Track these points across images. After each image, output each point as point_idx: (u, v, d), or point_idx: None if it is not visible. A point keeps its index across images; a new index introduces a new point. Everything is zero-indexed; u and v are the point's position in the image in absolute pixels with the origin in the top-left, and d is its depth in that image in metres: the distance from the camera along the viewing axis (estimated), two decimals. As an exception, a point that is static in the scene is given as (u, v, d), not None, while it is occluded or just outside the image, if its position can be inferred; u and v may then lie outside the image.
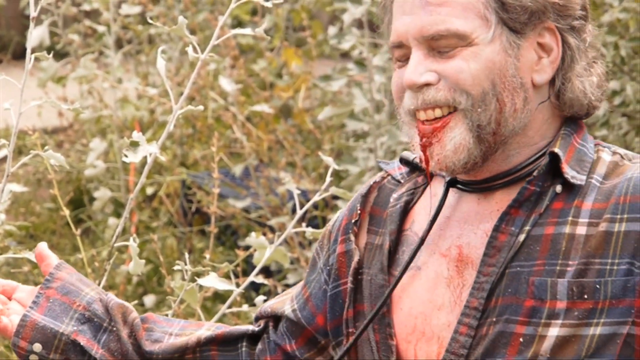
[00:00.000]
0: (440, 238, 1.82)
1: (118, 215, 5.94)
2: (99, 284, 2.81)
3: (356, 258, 1.92)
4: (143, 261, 2.86)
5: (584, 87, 1.75)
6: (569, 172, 1.67)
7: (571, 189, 1.69)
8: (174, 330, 2.16)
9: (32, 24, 2.83)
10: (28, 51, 2.71)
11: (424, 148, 1.70)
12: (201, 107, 2.80)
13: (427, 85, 1.68)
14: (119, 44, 7.18)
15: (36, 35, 6.04)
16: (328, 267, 1.99)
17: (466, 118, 1.68)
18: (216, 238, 5.77)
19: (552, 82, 1.74)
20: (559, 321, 1.66)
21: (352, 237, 1.93)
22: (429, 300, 1.81)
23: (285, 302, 2.12)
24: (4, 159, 2.90)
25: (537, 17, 1.68)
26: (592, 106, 1.79)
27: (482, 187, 1.77)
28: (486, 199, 1.77)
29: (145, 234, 5.59)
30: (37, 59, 2.65)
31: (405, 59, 1.72)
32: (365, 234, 1.94)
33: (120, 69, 6.83)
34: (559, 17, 1.70)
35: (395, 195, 1.90)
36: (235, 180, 6.13)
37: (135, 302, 3.85)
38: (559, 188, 1.69)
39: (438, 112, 1.67)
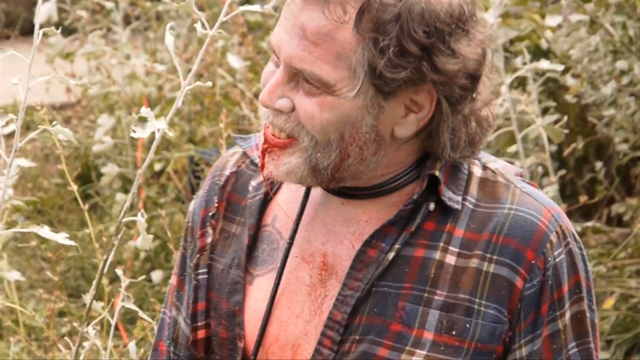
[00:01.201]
0: (304, 241, 1.76)
1: (126, 191, 6.04)
2: (106, 260, 2.79)
3: (209, 251, 1.87)
4: (151, 237, 2.75)
5: (447, 147, 1.67)
6: (446, 194, 1.64)
7: (444, 208, 1.66)
8: None
9: (40, 0, 2.84)
10: (36, 27, 2.74)
11: (262, 153, 1.67)
12: (209, 84, 2.73)
13: (280, 111, 1.63)
14: (127, 21, 7.17)
15: (44, 11, 6.09)
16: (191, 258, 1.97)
17: (305, 153, 1.62)
18: (222, 215, 5.57)
19: (421, 129, 1.68)
20: (424, 352, 1.65)
21: (210, 231, 1.86)
22: (287, 307, 1.77)
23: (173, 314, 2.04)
24: (12, 134, 2.83)
25: (411, 84, 1.58)
26: (458, 159, 1.71)
27: (346, 193, 1.72)
28: (351, 205, 1.72)
29: (153, 209, 5.59)
30: (45, 35, 2.66)
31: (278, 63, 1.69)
32: (222, 220, 1.87)
33: (128, 46, 6.83)
34: (437, 86, 1.60)
35: (254, 184, 1.82)
36: (241, 157, 5.93)
37: (143, 277, 3.87)
38: (432, 206, 1.65)
39: (283, 135, 1.63)
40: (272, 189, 1.79)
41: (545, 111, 5.50)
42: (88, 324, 2.83)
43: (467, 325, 1.64)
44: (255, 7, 2.74)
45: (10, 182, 3.04)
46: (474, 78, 1.61)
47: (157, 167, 6.22)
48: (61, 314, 5.26)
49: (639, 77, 5.30)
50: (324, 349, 1.69)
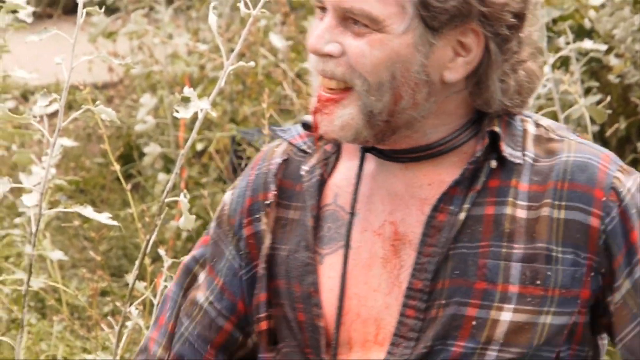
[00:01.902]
0: (371, 213, 1.77)
1: (168, 170, 6.11)
2: (149, 240, 2.83)
3: (267, 242, 1.86)
4: (193, 217, 2.81)
5: (497, 92, 1.70)
6: (506, 150, 1.66)
7: (504, 164, 1.68)
8: None
9: (82, -20, 2.87)
10: (80, 6, 2.70)
11: (314, 112, 1.70)
12: (252, 64, 2.76)
13: (329, 55, 1.65)
14: (169, 0, 7.19)
15: (87, -10, 6.09)
16: (241, 253, 1.93)
17: (359, 101, 1.65)
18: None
19: (470, 76, 1.71)
20: (512, 305, 1.67)
21: (263, 218, 1.88)
22: (364, 282, 1.78)
23: (194, 300, 2.03)
24: (55, 113, 2.92)
25: (459, 19, 1.61)
26: (508, 109, 1.74)
27: (403, 157, 1.73)
28: (410, 170, 1.73)
29: (195, 189, 5.69)
30: (88, 14, 2.64)
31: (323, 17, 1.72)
32: (275, 209, 1.88)
33: (170, 25, 6.87)
34: (484, 23, 1.63)
35: (306, 168, 1.83)
36: (284, 137, 6.00)
37: (185, 257, 3.94)
38: (493, 163, 1.67)
39: (334, 84, 1.65)
40: (326, 170, 1.80)
41: (587, 91, 5.50)
42: (131, 304, 2.88)
43: (549, 273, 1.66)
44: (299, -14, 2.67)
45: (53, 162, 3.08)
46: (520, 17, 1.63)
47: (199, 146, 6.21)
48: (104, 293, 5.33)
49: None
50: (407, 320, 1.71)
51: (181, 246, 5.58)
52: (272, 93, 5.94)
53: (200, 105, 2.50)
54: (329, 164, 1.78)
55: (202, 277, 1.94)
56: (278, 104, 6.23)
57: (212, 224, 1.97)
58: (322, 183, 1.78)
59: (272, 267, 1.83)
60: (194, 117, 2.66)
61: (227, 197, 1.95)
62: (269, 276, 1.82)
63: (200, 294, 1.92)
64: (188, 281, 1.96)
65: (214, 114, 2.79)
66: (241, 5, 2.92)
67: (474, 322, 1.68)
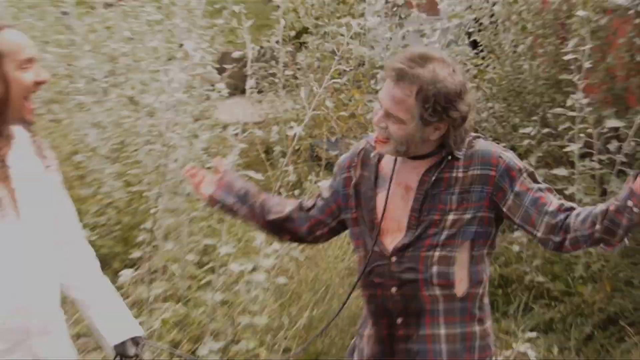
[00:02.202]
0: (398, 177, 2.78)
1: (284, 156, 6.37)
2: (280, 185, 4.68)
3: (354, 180, 2.90)
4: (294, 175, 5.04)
5: (451, 144, 2.69)
6: (456, 153, 2.70)
7: (452, 158, 2.70)
8: (273, 206, 3.10)
9: None
10: (248, 87, 5.33)
11: (375, 142, 2.74)
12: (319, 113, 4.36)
13: (382, 128, 2.66)
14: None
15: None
16: (339, 182, 2.96)
17: (392, 145, 2.68)
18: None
19: (440, 137, 2.69)
20: (453, 212, 2.71)
21: (352, 171, 2.91)
22: (393, 204, 2.78)
23: (322, 190, 3.07)
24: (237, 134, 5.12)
25: (437, 122, 2.61)
26: (457, 144, 2.72)
27: (412, 157, 2.73)
28: (413, 162, 2.75)
29: (294, 165, 6.08)
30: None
31: (379, 105, 2.69)
32: (360, 169, 2.88)
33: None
34: (448, 121, 2.62)
35: (372, 154, 2.85)
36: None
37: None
38: (449, 157, 2.71)
39: (383, 137, 2.68)
40: (381, 157, 2.86)
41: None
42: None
43: (469, 196, 2.70)
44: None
45: (237, 152, 4.77)
46: (464, 118, 2.64)
47: (297, 147, 6.85)
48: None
49: None
50: (411, 222, 2.75)
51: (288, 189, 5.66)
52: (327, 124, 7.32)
53: (298, 130, 4.89)
54: (381, 154, 2.84)
55: (325, 189, 3.05)
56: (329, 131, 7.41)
57: (334, 173, 3.02)
58: (378, 162, 2.85)
59: (357, 192, 2.90)
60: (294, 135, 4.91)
61: (341, 158, 3.03)
62: (357, 198, 2.89)
63: (324, 193, 3.03)
64: (319, 193, 3.07)
65: (302, 132, 5.07)
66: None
67: (439, 222, 2.72)
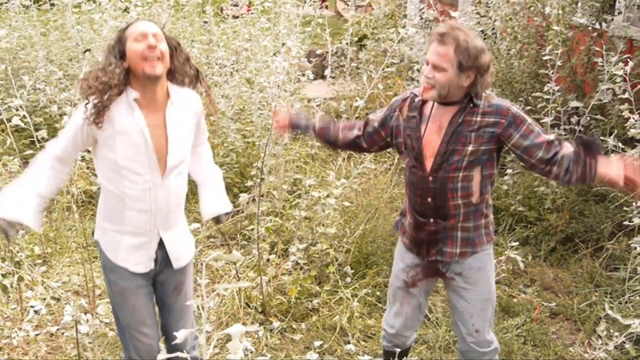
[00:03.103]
0: (434, 118, 2.68)
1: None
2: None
3: (404, 115, 2.76)
4: None
5: (477, 88, 2.58)
6: (475, 100, 2.60)
7: (475, 105, 2.60)
8: (329, 135, 3.05)
9: None
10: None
11: (423, 90, 2.61)
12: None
13: (430, 77, 2.56)
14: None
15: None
16: (391, 116, 2.83)
17: (436, 90, 2.57)
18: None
19: (470, 84, 2.57)
20: (471, 145, 2.61)
21: (401, 111, 2.79)
22: (430, 137, 2.69)
23: (375, 116, 2.90)
24: None
25: (469, 70, 2.52)
26: (480, 93, 2.59)
27: (445, 104, 2.63)
28: (445, 108, 2.65)
29: None
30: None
31: (428, 64, 2.59)
32: (407, 111, 2.76)
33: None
34: (476, 71, 2.54)
35: (416, 100, 2.74)
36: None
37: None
38: (471, 104, 2.60)
39: (430, 84, 2.57)
40: (422, 102, 2.72)
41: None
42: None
43: (484, 134, 2.61)
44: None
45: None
46: (487, 69, 2.55)
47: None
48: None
49: None
50: (441, 149, 2.64)
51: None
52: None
53: (359, 103, 4.67)
54: (423, 102, 2.72)
55: (379, 115, 2.90)
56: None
57: (387, 107, 2.87)
58: (422, 105, 2.72)
59: (405, 126, 2.76)
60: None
61: (393, 100, 2.87)
62: (405, 128, 2.75)
63: (376, 119, 2.90)
64: (372, 117, 2.92)
65: (362, 105, 4.76)
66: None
67: (461, 149, 2.61)
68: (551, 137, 2.61)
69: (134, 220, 2.68)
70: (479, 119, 2.60)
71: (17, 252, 4.24)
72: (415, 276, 2.88)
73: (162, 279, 2.84)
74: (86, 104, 2.57)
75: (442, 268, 2.81)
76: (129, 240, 2.72)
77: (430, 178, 2.67)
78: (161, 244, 2.77)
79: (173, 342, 2.76)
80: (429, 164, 2.66)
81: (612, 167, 2.48)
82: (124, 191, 2.64)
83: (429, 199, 2.70)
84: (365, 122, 2.94)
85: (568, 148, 2.58)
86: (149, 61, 2.54)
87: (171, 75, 2.68)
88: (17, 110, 4.28)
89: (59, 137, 2.70)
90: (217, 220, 3.02)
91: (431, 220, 2.74)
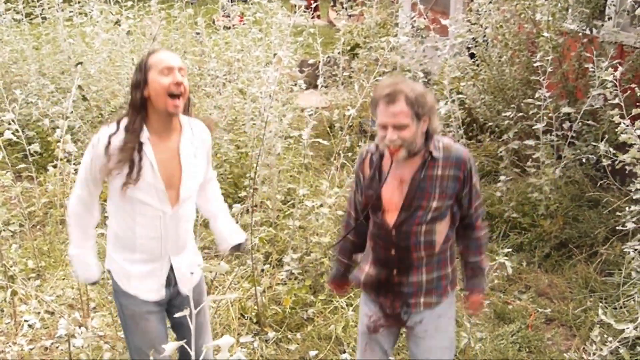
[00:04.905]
0: (394, 173, 2.64)
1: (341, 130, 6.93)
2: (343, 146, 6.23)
3: (365, 178, 2.74)
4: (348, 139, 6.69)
5: (431, 130, 2.58)
6: (434, 153, 2.58)
7: (433, 157, 2.58)
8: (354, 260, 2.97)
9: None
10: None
11: (392, 156, 2.57)
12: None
13: (394, 139, 2.50)
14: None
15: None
16: (360, 185, 2.78)
17: (405, 149, 2.54)
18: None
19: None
20: (435, 201, 2.60)
21: (361, 174, 2.75)
22: (391, 193, 2.65)
23: (352, 196, 2.87)
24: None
25: (426, 117, 2.53)
26: (434, 134, 2.59)
27: (407, 156, 2.56)
28: (406, 161, 2.60)
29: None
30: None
31: (385, 128, 2.53)
32: (367, 168, 2.73)
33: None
34: (428, 115, 2.53)
35: (375, 157, 2.70)
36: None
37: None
38: (430, 158, 2.58)
39: (398, 143, 2.52)
40: (381, 158, 2.69)
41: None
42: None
43: (447, 190, 2.61)
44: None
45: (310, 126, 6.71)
46: (435, 108, 2.58)
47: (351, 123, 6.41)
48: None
49: None
50: (405, 204, 2.62)
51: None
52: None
53: (351, 112, 4.93)
54: (382, 157, 2.68)
55: (352, 194, 2.85)
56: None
57: (354, 174, 2.84)
58: (381, 161, 2.69)
59: (366, 185, 2.73)
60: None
61: (355, 168, 2.85)
62: (368, 188, 2.72)
63: (354, 198, 2.85)
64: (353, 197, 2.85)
65: (354, 114, 5.02)
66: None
67: (425, 205, 2.61)
68: (475, 215, 2.73)
69: (145, 248, 2.69)
70: (439, 172, 2.59)
71: (11, 266, 4.25)
72: (377, 321, 2.81)
73: (178, 302, 2.84)
74: (106, 144, 2.59)
75: (404, 316, 2.76)
76: (140, 268, 2.73)
77: (394, 232, 2.63)
78: (172, 268, 2.79)
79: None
80: (391, 218, 2.63)
81: (473, 296, 2.82)
82: (135, 219, 2.66)
83: (393, 251, 2.66)
84: (349, 211, 2.90)
85: (481, 233, 2.78)
86: (173, 99, 2.55)
87: (188, 108, 2.71)
88: (9, 124, 4.30)
89: (76, 184, 2.75)
90: (237, 249, 3.04)
91: (394, 271, 2.69)
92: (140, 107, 2.59)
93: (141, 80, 2.57)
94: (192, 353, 1.55)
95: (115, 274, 2.79)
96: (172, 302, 2.85)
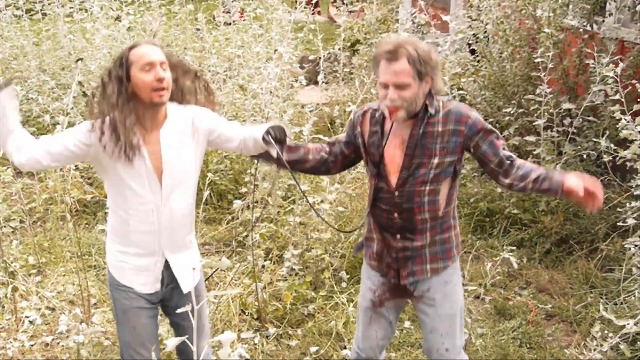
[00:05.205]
0: (395, 132, 2.61)
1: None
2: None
3: (366, 134, 2.67)
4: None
5: (435, 90, 2.54)
6: (430, 109, 2.54)
7: (430, 113, 2.54)
8: (300, 153, 2.81)
9: None
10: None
11: (390, 116, 2.53)
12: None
13: (395, 99, 2.46)
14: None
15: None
16: (353, 134, 2.75)
17: (404, 109, 2.50)
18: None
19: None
20: (437, 157, 2.56)
21: (361, 127, 2.69)
22: (392, 151, 2.62)
23: (342, 136, 2.81)
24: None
25: (427, 76, 2.48)
26: (438, 95, 2.54)
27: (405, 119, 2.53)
28: (407, 121, 2.57)
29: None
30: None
31: (386, 87, 2.47)
32: (368, 125, 2.67)
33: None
34: (431, 76, 2.49)
35: (377, 114, 2.65)
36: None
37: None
38: (428, 114, 2.54)
39: (398, 103, 2.47)
40: (384, 117, 2.61)
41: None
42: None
43: (448, 145, 2.55)
44: None
45: (311, 121, 6.64)
46: (439, 67, 2.52)
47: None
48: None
49: None
50: (405, 163, 2.57)
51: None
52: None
53: (352, 108, 4.50)
54: (384, 116, 2.61)
55: (342, 137, 2.81)
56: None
57: (347, 125, 2.81)
58: (383, 120, 2.63)
59: (368, 142, 2.67)
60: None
61: (351, 117, 2.78)
62: (366, 145, 2.68)
63: (341, 139, 2.80)
64: (335, 138, 2.83)
65: (355, 110, 5.60)
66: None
67: (427, 163, 2.55)
68: (509, 153, 2.62)
69: (140, 241, 2.70)
70: (439, 128, 2.54)
71: (12, 262, 4.25)
72: (382, 295, 2.78)
73: (174, 304, 2.84)
74: (101, 127, 2.59)
75: (410, 286, 2.72)
76: (135, 262, 2.75)
77: (397, 193, 2.59)
78: (167, 266, 2.78)
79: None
80: (393, 179, 2.59)
81: (571, 178, 2.47)
82: (128, 212, 2.68)
83: (396, 215, 2.61)
84: (331, 142, 2.84)
85: (521, 160, 2.62)
86: (157, 91, 2.57)
87: (182, 96, 2.72)
88: (9, 120, 4.29)
89: (56, 138, 2.67)
90: (268, 136, 2.70)
91: (398, 236, 2.64)
92: (128, 100, 2.60)
93: (123, 77, 2.58)
94: (194, 349, 1.54)
95: (111, 266, 2.81)
96: (169, 303, 2.86)
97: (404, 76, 2.43)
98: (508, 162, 2.58)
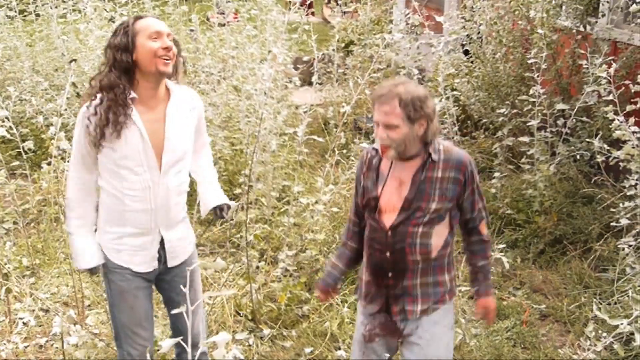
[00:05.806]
0: (394, 174, 2.66)
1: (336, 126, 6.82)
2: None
3: (364, 179, 2.74)
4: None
5: (430, 135, 2.57)
6: (433, 156, 2.58)
7: (433, 160, 2.58)
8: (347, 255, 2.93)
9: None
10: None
11: (382, 154, 2.62)
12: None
13: (384, 138, 2.54)
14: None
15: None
16: (361, 183, 2.78)
17: (394, 150, 2.57)
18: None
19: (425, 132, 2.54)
20: (435, 203, 2.59)
21: (362, 178, 2.76)
22: (389, 195, 2.65)
23: (351, 213, 2.89)
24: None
25: (421, 119, 2.52)
26: (434, 138, 2.59)
27: (404, 159, 2.61)
28: (405, 163, 2.62)
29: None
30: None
31: (378, 125, 2.56)
32: (367, 171, 2.73)
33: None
34: (426, 118, 2.53)
35: (375, 160, 2.72)
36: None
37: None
38: (430, 160, 2.58)
39: (387, 142, 2.54)
40: (380, 159, 2.70)
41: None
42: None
43: (447, 192, 2.60)
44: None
45: (305, 122, 6.56)
46: (434, 113, 2.57)
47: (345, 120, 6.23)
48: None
49: None
50: (404, 206, 2.61)
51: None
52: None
53: (346, 109, 4.85)
54: (380, 159, 2.69)
55: (350, 214, 2.87)
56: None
57: (355, 178, 2.83)
58: (379, 164, 2.70)
59: (364, 186, 2.75)
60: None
61: (356, 171, 2.83)
62: (364, 192, 2.74)
63: (350, 216, 2.89)
64: (347, 226, 2.92)
65: (349, 111, 5.01)
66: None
67: (424, 206, 2.59)
68: (477, 219, 2.72)
69: (136, 221, 2.70)
70: (439, 174, 2.59)
71: (5, 264, 4.24)
72: (372, 330, 2.77)
73: (170, 277, 2.86)
74: (87, 106, 2.61)
75: (400, 324, 2.72)
76: (132, 241, 2.75)
77: (390, 233, 2.61)
78: (163, 242, 2.81)
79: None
80: (388, 219, 2.62)
81: (492, 301, 2.78)
82: (123, 192, 2.68)
83: (388, 254, 2.64)
84: (347, 228, 2.91)
85: (486, 233, 2.76)
86: (163, 59, 2.57)
87: (176, 72, 2.71)
88: (3, 121, 4.29)
89: (72, 159, 2.75)
90: (219, 211, 3.02)
91: (390, 274, 2.66)
92: (126, 70, 2.59)
93: (128, 44, 2.57)
94: (189, 323, 1.55)
95: (106, 248, 2.80)
96: (163, 277, 2.88)
97: (393, 117, 2.49)
98: (472, 226, 2.73)
